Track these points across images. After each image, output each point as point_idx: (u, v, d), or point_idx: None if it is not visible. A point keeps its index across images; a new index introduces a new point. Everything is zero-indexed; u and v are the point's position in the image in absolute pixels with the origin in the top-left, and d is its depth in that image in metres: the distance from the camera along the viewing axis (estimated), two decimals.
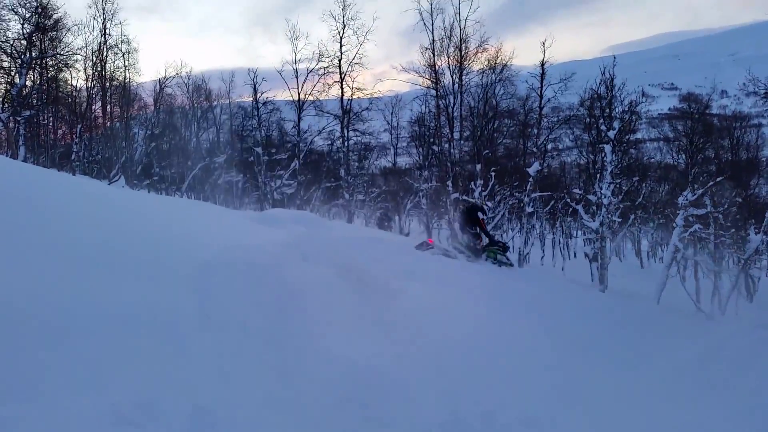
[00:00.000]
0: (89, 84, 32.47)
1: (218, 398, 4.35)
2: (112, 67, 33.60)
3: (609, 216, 15.09)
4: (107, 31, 32.36)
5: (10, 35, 26.15)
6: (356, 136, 32.62)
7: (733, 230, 17.23)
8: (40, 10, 27.14)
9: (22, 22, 26.22)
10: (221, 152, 35.79)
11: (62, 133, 34.26)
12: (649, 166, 36.77)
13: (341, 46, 30.20)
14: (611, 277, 15.81)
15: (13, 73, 25.73)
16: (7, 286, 4.43)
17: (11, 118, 22.14)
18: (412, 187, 31.44)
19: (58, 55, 29.43)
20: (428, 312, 7.26)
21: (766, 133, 39.17)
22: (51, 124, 33.04)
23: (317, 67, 30.85)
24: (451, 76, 26.32)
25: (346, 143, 31.16)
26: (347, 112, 30.60)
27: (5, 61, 26.51)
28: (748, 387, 6.56)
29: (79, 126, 27.13)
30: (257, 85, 32.60)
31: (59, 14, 29.27)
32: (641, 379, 6.77)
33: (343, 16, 30.05)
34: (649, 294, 14.46)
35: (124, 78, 34.28)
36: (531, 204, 19.90)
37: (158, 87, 36.77)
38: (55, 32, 29.26)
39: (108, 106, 34.78)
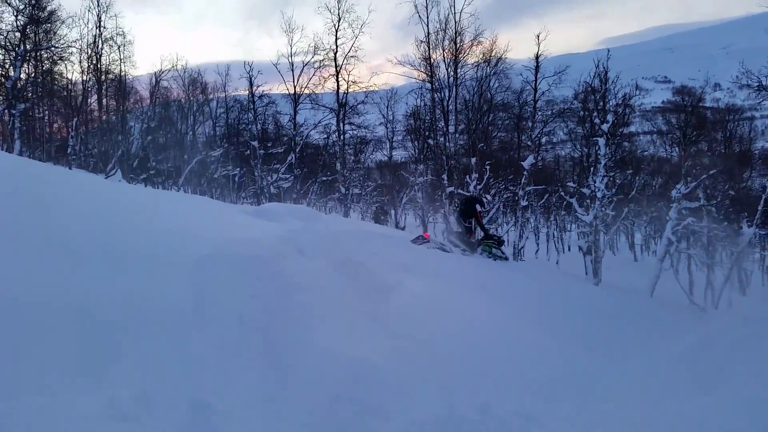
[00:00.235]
0: (85, 77, 32.41)
1: (215, 392, 4.39)
2: (108, 60, 33.51)
3: (603, 209, 15.18)
4: (102, 23, 32.25)
5: (3, 27, 26.05)
6: (352, 129, 32.65)
7: (726, 223, 17.34)
8: (33, 1, 27.00)
9: (15, 14, 26.10)
10: (217, 146, 35.73)
11: (58, 127, 34.14)
12: (643, 159, 36.88)
13: (336, 39, 30.22)
14: (605, 271, 15.91)
15: (7, 66, 25.62)
16: (3, 280, 4.46)
17: (6, 111, 22.05)
18: (408, 181, 31.47)
19: (52, 48, 29.28)
20: (424, 305, 7.31)
21: (758, 125, 39.35)
22: (46, 117, 32.90)
23: (313, 60, 30.88)
24: (446, 69, 26.38)
25: (342, 137, 31.16)
26: (343, 106, 30.60)
27: None
28: (740, 379, 6.65)
29: (75, 119, 27.04)
30: (253, 79, 32.59)
31: (53, 6, 29.22)
32: (635, 371, 6.84)
33: (339, 9, 30.08)
34: (642, 287, 14.56)
35: (120, 71, 34.21)
36: (525, 197, 19.97)
37: (154, 80, 36.70)
38: (49, 24, 29.14)
39: (104, 100, 34.69)
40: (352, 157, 36.88)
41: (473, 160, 20.22)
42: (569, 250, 38.03)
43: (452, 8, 25.81)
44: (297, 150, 31.27)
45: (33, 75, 29.40)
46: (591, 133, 20.80)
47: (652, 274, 14.43)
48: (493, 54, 27.00)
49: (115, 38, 33.22)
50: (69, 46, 30.46)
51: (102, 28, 32.25)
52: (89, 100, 33.58)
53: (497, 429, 4.20)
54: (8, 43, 25.80)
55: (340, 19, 29.97)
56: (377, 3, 31.33)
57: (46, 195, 6.70)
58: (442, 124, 25.63)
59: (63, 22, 30.03)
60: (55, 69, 31.73)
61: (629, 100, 23.63)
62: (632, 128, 35.84)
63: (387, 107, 36.14)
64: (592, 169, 15.69)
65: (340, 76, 30.34)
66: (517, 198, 20.23)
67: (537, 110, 26.40)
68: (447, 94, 26.27)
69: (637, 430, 4.58)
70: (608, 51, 16.60)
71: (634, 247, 37.05)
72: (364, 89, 31.26)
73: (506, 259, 13.45)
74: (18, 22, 26.11)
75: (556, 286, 11.44)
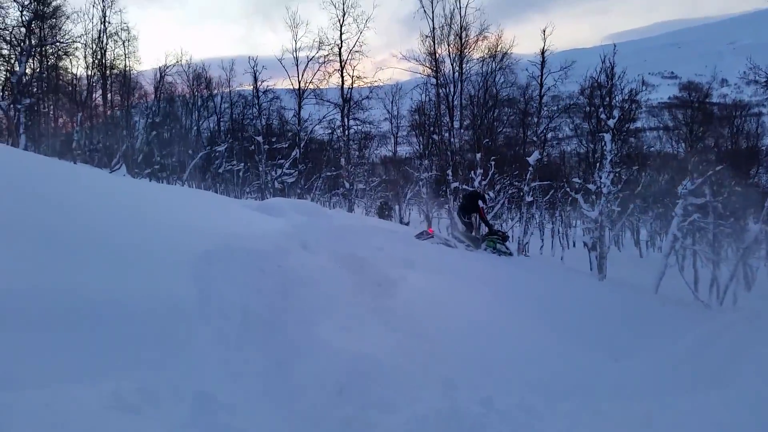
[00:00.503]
0: (89, 72, 32.38)
1: (219, 385, 4.41)
2: (113, 55, 33.44)
3: (608, 205, 15.13)
4: (107, 18, 32.16)
5: (9, 23, 26.05)
6: (356, 125, 32.57)
7: (732, 220, 17.26)
8: None
9: (21, 9, 26.08)
10: (222, 141, 35.76)
11: (63, 122, 34.18)
12: (649, 155, 36.76)
13: (341, 34, 30.08)
14: (610, 267, 15.86)
15: (12, 61, 25.64)
16: (8, 274, 4.46)
17: (11, 106, 22.07)
18: (412, 177, 31.44)
19: (57, 43, 29.32)
20: (428, 301, 7.31)
21: (766, 121, 39.10)
22: (51, 112, 32.96)
23: (317, 55, 30.74)
24: (452, 65, 26.26)
25: (346, 132, 31.11)
26: (347, 101, 30.52)
27: (5, 49, 26.42)
28: (744, 376, 6.62)
29: (80, 114, 27.03)
30: (257, 74, 32.48)
31: (58, 1, 29.18)
32: (639, 367, 6.83)
33: (343, 4, 29.91)
34: (647, 283, 14.52)
35: (125, 66, 34.15)
36: (530, 193, 19.94)
37: (158, 75, 36.69)
38: (54, 20, 29.16)
39: (108, 95, 34.67)
40: (357, 153, 36.82)
41: (478, 155, 20.18)
42: (574, 246, 37.97)
43: (457, 3, 25.62)
44: (301, 145, 31.24)
45: (38, 70, 29.45)
46: (597, 128, 20.74)
47: (658, 270, 14.38)
48: (498, 49, 26.88)
49: (119, 33, 33.22)
50: (74, 42, 30.50)
51: (107, 24, 32.21)
52: (94, 95, 33.63)
53: (499, 422, 4.20)
54: (13, 39, 25.84)
55: (344, 14, 29.86)
56: None
57: (51, 189, 6.71)
58: (447, 120, 25.55)
59: (68, 17, 30.05)
60: (60, 64, 31.78)
61: (636, 96, 23.54)
62: (638, 124, 35.71)
63: (392, 102, 36.15)
64: (597, 165, 15.61)
65: (344, 71, 30.27)
66: (522, 194, 20.21)
67: (543, 106, 26.29)
68: (452, 90, 26.18)
69: (639, 427, 4.57)
70: (614, 46, 16.50)
71: (639, 244, 36.93)
72: (369, 84, 31.17)
73: (510, 254, 13.43)
74: (23, 18, 26.15)
75: (560, 282, 11.42)
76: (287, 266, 7.09)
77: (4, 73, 26.29)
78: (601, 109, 16.83)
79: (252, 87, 33.46)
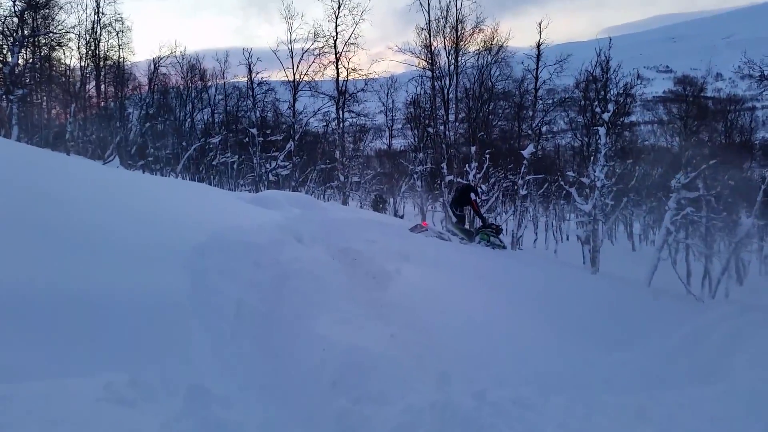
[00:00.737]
0: (83, 63, 32.14)
1: (213, 378, 4.41)
2: (106, 46, 33.19)
3: (602, 199, 15.16)
4: (100, 9, 31.88)
5: (1, 12, 25.88)
6: (351, 117, 32.48)
7: (725, 214, 17.32)
8: None
9: None
10: (216, 133, 35.60)
11: (56, 113, 33.96)
12: (643, 149, 36.82)
13: (336, 26, 30.00)
14: (603, 260, 15.91)
15: (5, 52, 25.44)
16: (1, 267, 4.45)
17: (4, 97, 21.93)
18: (407, 169, 31.40)
19: (50, 34, 29.07)
20: (422, 294, 7.32)
21: (760, 116, 39.24)
22: (44, 103, 32.73)
23: (312, 47, 30.66)
24: (447, 57, 26.27)
25: (341, 124, 31.05)
26: (342, 93, 30.44)
27: None
28: (737, 369, 6.66)
29: (73, 105, 26.84)
30: (252, 65, 32.33)
31: None
32: (632, 361, 6.86)
33: None
34: (640, 277, 14.57)
35: (118, 57, 33.91)
36: (525, 186, 19.93)
37: (152, 67, 36.44)
38: (47, 10, 28.89)
39: (102, 86, 34.47)
40: (352, 145, 36.77)
41: (473, 148, 20.17)
42: (567, 239, 38.04)
43: None
44: (296, 137, 31.15)
45: (31, 61, 29.20)
46: (592, 122, 20.74)
47: (650, 263, 14.43)
48: (494, 42, 26.90)
49: (113, 24, 32.92)
50: (67, 32, 30.22)
51: (100, 14, 31.94)
52: (87, 86, 33.36)
53: (493, 415, 4.20)
54: (6, 29, 25.63)
55: (340, 6, 29.74)
56: None
57: (43, 181, 6.68)
58: (442, 113, 25.56)
59: (61, 7, 29.80)
60: (54, 55, 31.49)
61: (630, 90, 23.58)
62: (633, 118, 35.73)
63: (387, 95, 36.01)
64: (592, 158, 15.66)
65: (339, 63, 30.19)
66: (516, 187, 20.18)
67: (538, 99, 26.32)
68: (447, 83, 26.17)
69: (633, 420, 4.58)
70: (610, 40, 16.51)
71: (632, 237, 37.02)
72: (364, 77, 31.06)
73: (504, 247, 13.46)
74: (16, 8, 25.94)
75: (553, 275, 11.45)
76: (281, 259, 7.08)
77: None
78: (596, 103, 16.86)
79: (246, 79, 33.33)
